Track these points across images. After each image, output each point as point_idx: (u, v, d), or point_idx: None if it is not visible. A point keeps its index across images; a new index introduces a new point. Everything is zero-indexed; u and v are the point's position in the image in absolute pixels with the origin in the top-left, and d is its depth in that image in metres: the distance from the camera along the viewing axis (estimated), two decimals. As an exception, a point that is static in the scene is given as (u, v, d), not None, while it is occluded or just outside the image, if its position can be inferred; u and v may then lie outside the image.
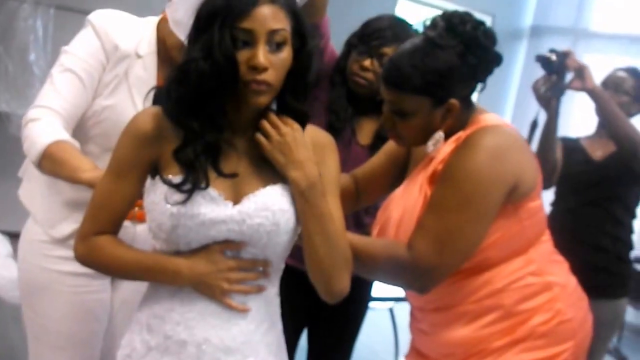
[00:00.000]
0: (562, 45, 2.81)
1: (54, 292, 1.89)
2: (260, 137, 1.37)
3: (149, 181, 1.39)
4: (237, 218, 1.34)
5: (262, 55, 1.28)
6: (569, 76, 2.59)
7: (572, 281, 1.73)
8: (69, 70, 1.79)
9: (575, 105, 4.85)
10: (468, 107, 1.66)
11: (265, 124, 1.37)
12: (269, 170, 1.39)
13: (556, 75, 2.53)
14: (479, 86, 1.67)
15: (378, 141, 2.15)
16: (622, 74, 2.83)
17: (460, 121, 1.64)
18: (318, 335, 2.45)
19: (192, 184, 1.32)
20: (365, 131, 2.25)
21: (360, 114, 2.24)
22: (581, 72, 2.52)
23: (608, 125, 2.63)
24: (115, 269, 1.43)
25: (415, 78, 1.57)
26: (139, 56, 1.84)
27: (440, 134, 1.63)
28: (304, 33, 1.37)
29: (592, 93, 2.55)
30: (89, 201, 1.43)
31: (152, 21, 1.91)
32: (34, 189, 1.94)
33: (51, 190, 1.89)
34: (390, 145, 1.91)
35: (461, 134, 1.61)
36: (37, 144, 1.66)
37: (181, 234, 1.34)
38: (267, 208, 1.35)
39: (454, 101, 1.59)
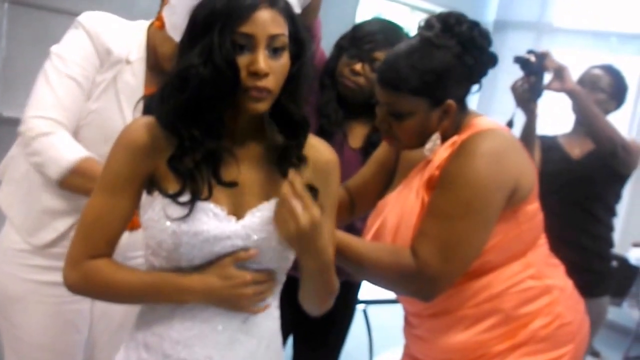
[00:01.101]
0: (525, 40, 2.82)
1: (32, 303, 1.83)
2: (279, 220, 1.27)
3: (145, 197, 1.32)
4: (241, 233, 1.29)
5: (262, 60, 1.23)
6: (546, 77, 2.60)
7: (569, 284, 1.73)
8: (70, 77, 1.72)
9: (546, 104, 4.89)
10: (462, 109, 1.64)
11: (288, 207, 1.25)
12: (271, 180, 1.34)
13: (535, 76, 2.53)
14: (474, 88, 1.65)
15: (370, 145, 2.13)
16: (597, 71, 2.85)
17: (454, 124, 1.62)
18: (304, 342, 2.41)
19: (191, 195, 1.26)
20: (357, 135, 2.21)
21: (351, 117, 2.20)
22: (560, 72, 2.52)
23: (587, 125, 2.65)
24: (117, 295, 1.32)
25: (413, 78, 1.55)
26: (128, 62, 1.78)
27: (437, 136, 1.60)
28: (302, 38, 1.32)
29: (572, 93, 2.56)
30: (78, 222, 1.34)
31: (142, 26, 1.85)
32: (13, 194, 1.86)
33: (31, 196, 1.82)
34: (379, 153, 1.88)
35: (456, 139, 1.59)
36: (62, 160, 1.62)
37: (184, 252, 1.27)
38: (271, 222, 1.30)
39: (450, 102, 1.57)
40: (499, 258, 1.59)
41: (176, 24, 1.67)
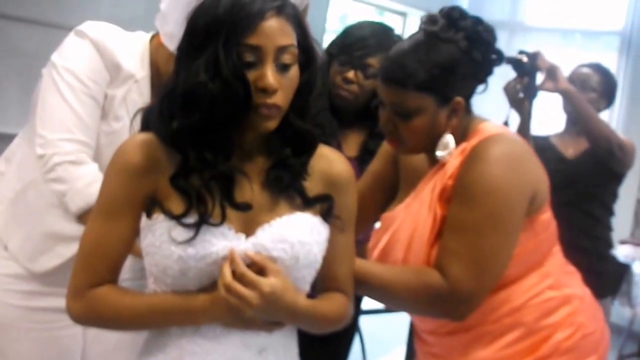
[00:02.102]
0: (499, 39, 2.80)
1: (22, 331, 1.72)
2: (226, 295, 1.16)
3: (144, 220, 1.23)
4: (251, 251, 1.20)
5: (271, 75, 1.15)
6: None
7: (587, 292, 1.68)
8: (88, 95, 1.62)
9: (536, 104, 4.90)
10: (468, 112, 1.57)
11: (234, 293, 1.15)
12: (283, 196, 1.26)
13: (528, 76, 2.49)
14: (480, 88, 1.59)
15: (366, 152, 2.06)
16: (586, 70, 2.82)
17: (460, 129, 1.55)
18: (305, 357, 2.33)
19: (199, 216, 1.17)
20: (351, 143, 2.13)
21: (344, 125, 2.13)
22: (553, 72, 2.49)
23: (582, 125, 2.62)
24: (124, 322, 1.24)
25: (420, 73, 1.48)
26: (136, 80, 1.68)
27: (449, 138, 1.53)
28: (311, 47, 1.24)
29: (566, 93, 2.53)
30: (78, 250, 1.26)
31: (144, 40, 1.74)
32: (8, 215, 1.74)
33: (31, 218, 1.71)
34: (374, 166, 1.81)
35: (465, 146, 1.52)
36: (89, 196, 1.52)
37: (192, 276, 1.19)
38: (285, 240, 1.22)
39: (459, 99, 1.51)
40: (518, 270, 1.53)
41: (171, 34, 1.59)
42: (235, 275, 1.16)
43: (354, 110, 2.10)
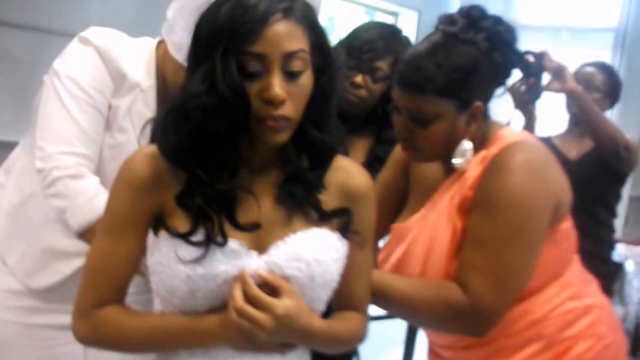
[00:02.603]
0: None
1: (19, 348, 1.66)
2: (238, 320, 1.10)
3: (151, 238, 1.17)
4: (264, 270, 1.14)
5: (277, 85, 1.07)
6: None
7: (605, 301, 1.63)
8: (91, 105, 1.54)
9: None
10: (486, 116, 1.51)
11: (247, 317, 1.09)
12: (298, 211, 1.19)
13: (534, 77, 2.43)
14: (498, 91, 1.53)
15: (373, 159, 1.99)
16: (590, 69, 2.77)
17: (479, 135, 1.49)
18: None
19: (206, 235, 1.11)
20: (358, 150, 2.07)
21: (351, 131, 2.06)
22: (560, 72, 2.43)
23: (589, 126, 2.56)
24: (131, 344, 1.18)
25: (440, 77, 1.40)
26: (142, 89, 1.60)
27: (467, 144, 1.46)
28: (326, 48, 1.15)
29: (573, 94, 2.47)
30: (83, 269, 1.20)
31: (150, 46, 1.66)
32: (7, 229, 1.68)
33: (30, 233, 1.64)
34: (385, 175, 1.73)
35: (486, 154, 1.45)
36: (90, 213, 1.47)
37: (201, 297, 1.13)
38: (300, 258, 1.15)
39: (478, 104, 1.44)
40: (538, 281, 1.48)
41: (179, 44, 1.50)
42: (247, 296, 1.10)
43: (361, 115, 2.04)
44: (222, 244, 1.12)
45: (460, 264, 1.41)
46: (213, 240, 1.11)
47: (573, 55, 4.14)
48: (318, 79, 1.14)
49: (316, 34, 1.13)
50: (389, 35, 2.00)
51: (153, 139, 1.19)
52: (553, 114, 2.94)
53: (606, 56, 5.38)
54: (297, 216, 1.19)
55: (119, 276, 1.18)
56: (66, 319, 1.59)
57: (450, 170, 1.52)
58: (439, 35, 1.45)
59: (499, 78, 1.49)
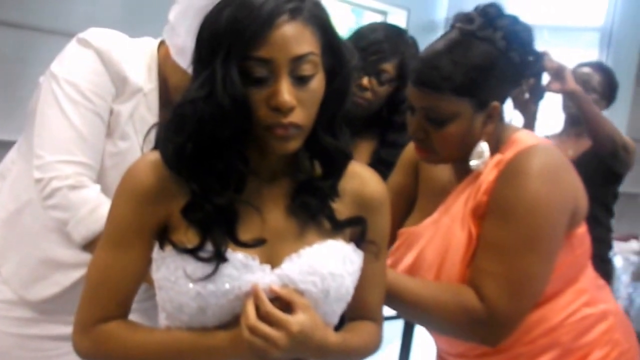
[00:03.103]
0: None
1: (15, 359, 1.59)
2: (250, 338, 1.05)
3: (157, 251, 1.11)
4: (277, 285, 1.09)
5: (285, 91, 1.01)
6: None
7: (619, 306, 1.60)
8: (92, 112, 1.48)
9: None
10: (501, 118, 1.47)
11: (260, 334, 1.04)
12: (311, 221, 1.14)
13: (534, 77, 2.40)
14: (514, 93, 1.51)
15: (377, 161, 1.95)
16: (587, 69, 2.76)
17: (494, 138, 1.45)
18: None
19: (216, 251, 1.06)
20: (362, 152, 2.03)
21: (355, 134, 2.01)
22: (560, 73, 2.40)
23: (588, 126, 2.54)
24: None
25: (457, 76, 1.36)
26: (144, 93, 1.54)
27: (484, 146, 1.42)
28: (339, 49, 1.09)
29: (573, 94, 2.45)
30: (85, 283, 1.15)
31: (151, 47, 1.59)
32: (2, 238, 1.61)
33: (27, 242, 1.57)
34: (395, 180, 1.68)
35: (501, 158, 1.41)
36: (94, 224, 1.40)
37: (211, 313, 1.08)
38: (315, 272, 1.10)
39: (496, 104, 1.40)
40: (554, 288, 1.44)
41: (182, 47, 1.44)
42: (260, 313, 1.05)
43: (366, 118, 2.00)
44: (223, 259, 1.06)
45: (475, 270, 1.37)
46: (222, 257, 1.06)
47: (559, 55, 4.10)
48: (330, 81, 1.08)
49: (327, 34, 1.07)
50: (395, 36, 1.97)
51: (156, 146, 1.14)
52: (547, 114, 2.91)
53: (592, 55, 5.39)
54: (310, 227, 1.14)
55: (122, 290, 1.12)
56: (63, 329, 1.56)
57: (462, 173, 1.48)
58: (456, 34, 1.41)
59: (516, 78, 1.46)
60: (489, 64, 1.38)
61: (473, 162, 1.42)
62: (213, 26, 1.02)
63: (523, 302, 1.36)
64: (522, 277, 1.34)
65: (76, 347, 1.14)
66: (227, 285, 1.06)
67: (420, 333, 1.67)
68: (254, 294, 1.06)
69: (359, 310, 1.24)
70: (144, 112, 1.54)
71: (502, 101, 1.44)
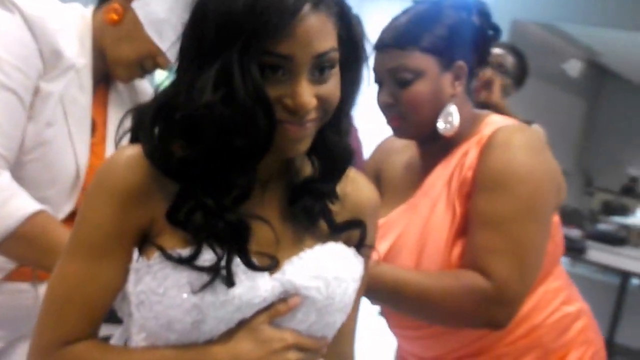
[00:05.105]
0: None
1: None
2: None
3: (139, 260, 0.92)
4: (278, 290, 0.95)
5: (305, 93, 0.87)
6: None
7: (587, 305, 1.56)
8: (8, 89, 1.19)
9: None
10: (469, 95, 1.43)
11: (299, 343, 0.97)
12: (308, 226, 1.00)
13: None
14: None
15: None
16: (499, 51, 2.71)
17: (468, 120, 1.39)
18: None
19: (217, 261, 0.89)
20: None
21: None
22: (490, 84, 2.39)
23: None
24: None
25: (419, 32, 1.35)
26: (77, 69, 1.28)
27: (452, 108, 1.37)
28: (358, 42, 0.95)
29: (496, 108, 2.40)
30: (45, 299, 0.96)
31: (83, 15, 1.34)
32: None
33: None
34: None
35: (481, 136, 1.37)
36: (12, 218, 1.18)
37: (207, 329, 0.92)
38: (319, 275, 0.96)
39: (461, 63, 1.37)
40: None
41: (157, 19, 1.26)
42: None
43: None
44: (229, 284, 0.90)
45: (477, 249, 1.29)
46: (232, 281, 0.90)
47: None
48: (342, 76, 0.94)
49: (346, 25, 0.92)
50: None
51: (134, 139, 0.96)
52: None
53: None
54: (307, 231, 1.01)
55: (96, 307, 0.94)
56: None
57: (429, 156, 1.43)
58: (422, 2, 1.41)
59: (478, 45, 1.41)
60: (452, 22, 1.36)
61: (440, 125, 1.37)
62: (224, 13, 0.85)
63: (529, 277, 1.30)
64: (524, 248, 1.28)
65: None
66: (227, 295, 0.90)
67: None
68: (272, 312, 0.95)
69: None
70: (75, 92, 1.29)
71: (468, 64, 1.39)
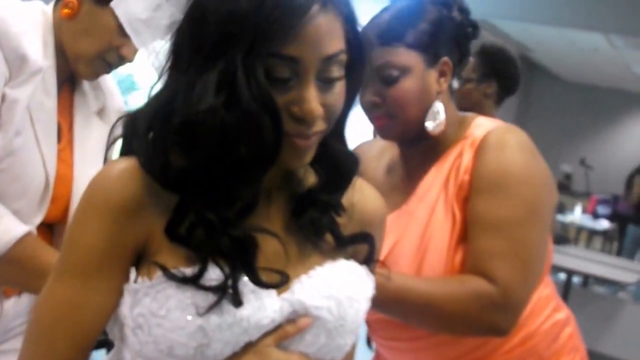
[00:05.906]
0: None
1: None
2: None
3: (137, 280, 0.86)
4: (287, 311, 0.89)
5: (313, 99, 0.83)
6: None
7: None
8: None
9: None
10: (452, 93, 1.42)
11: None
12: (313, 240, 0.95)
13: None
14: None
15: None
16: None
17: (455, 122, 1.39)
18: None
19: (224, 280, 0.84)
20: None
21: None
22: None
23: None
24: None
25: (404, 28, 1.34)
26: (42, 72, 1.20)
27: (439, 106, 1.35)
28: (362, 43, 0.90)
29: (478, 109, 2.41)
30: (30, 325, 0.90)
31: (44, 12, 1.27)
32: None
33: None
34: None
35: (474, 138, 1.36)
36: None
37: (211, 354, 0.85)
38: (330, 295, 0.91)
39: (446, 59, 1.36)
40: None
41: (136, 18, 1.19)
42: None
43: None
44: (236, 304, 0.85)
45: (479, 254, 1.28)
46: (239, 300, 0.85)
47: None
48: (347, 78, 0.89)
49: (352, 26, 0.88)
50: None
51: (127, 150, 0.90)
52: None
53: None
54: (311, 245, 0.96)
55: (88, 333, 0.88)
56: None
57: (414, 165, 1.41)
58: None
59: (460, 41, 1.40)
60: (434, 18, 1.36)
61: (428, 124, 1.36)
62: (227, 11, 0.80)
63: (532, 280, 1.29)
64: (530, 251, 1.28)
65: None
66: (234, 316, 0.85)
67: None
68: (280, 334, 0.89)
69: None
70: (41, 97, 1.22)
71: (452, 61, 1.38)
